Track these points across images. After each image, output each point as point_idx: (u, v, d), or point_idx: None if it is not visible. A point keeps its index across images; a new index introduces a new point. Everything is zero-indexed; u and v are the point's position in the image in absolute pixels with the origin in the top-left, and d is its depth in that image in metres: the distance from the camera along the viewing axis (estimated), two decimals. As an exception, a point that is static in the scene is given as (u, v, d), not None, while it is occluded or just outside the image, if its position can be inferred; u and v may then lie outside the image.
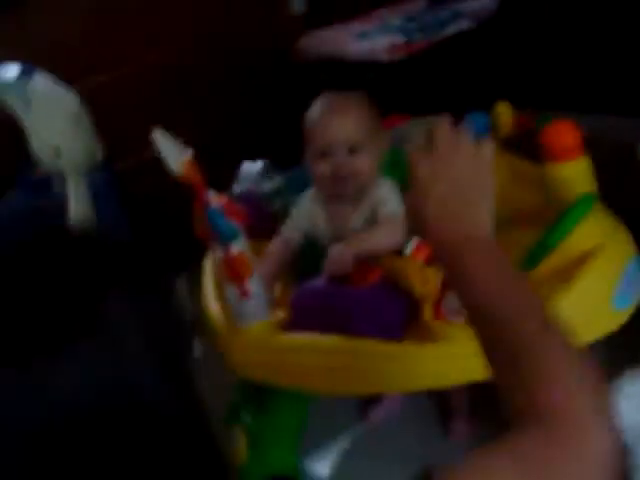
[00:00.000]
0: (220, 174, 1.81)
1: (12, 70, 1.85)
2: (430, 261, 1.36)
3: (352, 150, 1.52)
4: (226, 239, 1.33)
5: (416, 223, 0.90)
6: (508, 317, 0.77)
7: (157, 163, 1.42)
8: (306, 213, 1.63)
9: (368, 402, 1.88)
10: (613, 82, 2.10)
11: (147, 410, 0.62)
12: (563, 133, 1.45)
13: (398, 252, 1.44)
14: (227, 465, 0.73)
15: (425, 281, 1.31)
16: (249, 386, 1.70)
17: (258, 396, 1.66)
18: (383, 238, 1.48)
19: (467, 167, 0.88)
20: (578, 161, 1.45)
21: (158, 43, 2.50)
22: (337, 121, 1.53)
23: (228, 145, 2.36)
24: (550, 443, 0.68)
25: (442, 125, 0.92)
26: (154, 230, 2.31)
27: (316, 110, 1.58)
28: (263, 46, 2.65)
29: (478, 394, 1.71)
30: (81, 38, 2.34)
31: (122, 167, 2.29)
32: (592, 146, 1.50)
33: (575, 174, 1.44)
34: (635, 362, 1.54)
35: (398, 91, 2.20)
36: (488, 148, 0.92)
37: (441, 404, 1.80)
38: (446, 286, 1.31)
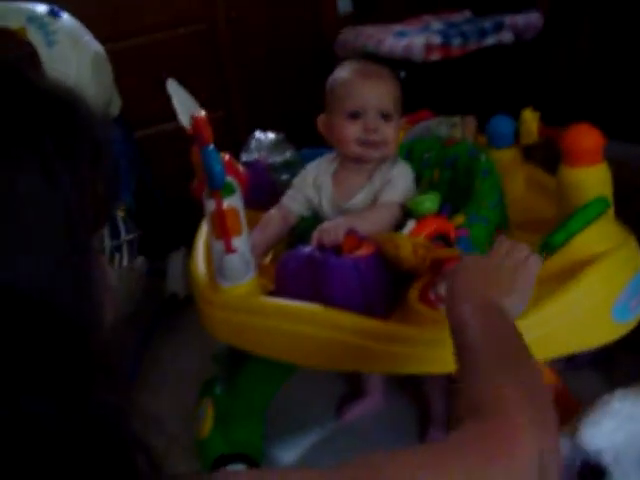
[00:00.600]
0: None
1: (42, 6, 1.84)
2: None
3: (383, 116, 1.50)
4: (217, 183, 1.28)
5: (449, 286, 1.00)
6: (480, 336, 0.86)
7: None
8: (313, 182, 1.58)
9: (345, 399, 1.82)
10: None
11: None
12: (584, 136, 1.38)
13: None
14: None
15: (416, 252, 1.25)
16: (223, 358, 1.66)
17: (231, 370, 1.62)
18: (376, 221, 1.44)
19: (509, 267, 0.99)
20: (597, 167, 1.38)
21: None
22: (371, 83, 1.50)
23: (251, 123, 2.34)
24: (485, 437, 0.72)
25: (505, 240, 1.05)
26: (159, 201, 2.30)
27: (347, 72, 1.54)
28: (308, 43, 2.68)
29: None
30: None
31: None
32: (616, 171, 1.44)
33: (592, 180, 1.38)
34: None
35: (428, 89, 2.16)
36: (536, 261, 1.02)
37: (420, 409, 1.73)
38: (437, 271, 1.25)
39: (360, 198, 1.52)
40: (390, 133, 1.50)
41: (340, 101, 1.51)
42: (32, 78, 0.61)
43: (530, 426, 0.73)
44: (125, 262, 1.73)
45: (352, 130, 1.49)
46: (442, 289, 1.21)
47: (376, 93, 1.49)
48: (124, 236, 1.60)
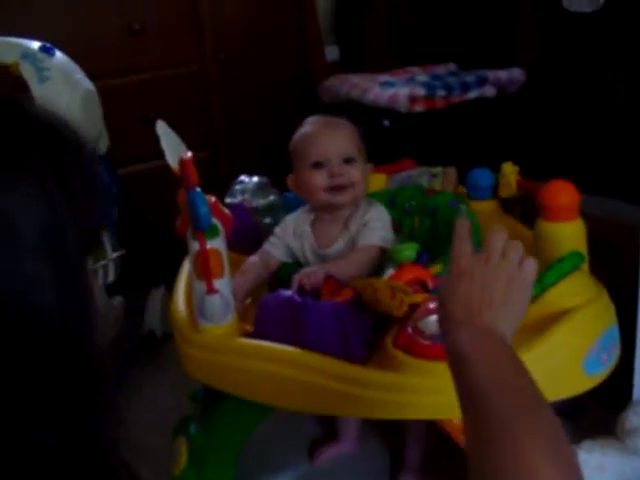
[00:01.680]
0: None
1: (35, 42, 1.87)
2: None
3: (347, 160, 1.54)
4: (203, 225, 1.30)
5: (441, 300, 0.94)
6: (493, 399, 0.79)
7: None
8: (293, 231, 1.61)
9: (319, 442, 1.82)
10: (623, 168, 2.10)
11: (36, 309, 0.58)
12: (561, 193, 1.42)
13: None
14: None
15: (394, 296, 1.27)
16: (200, 397, 1.66)
17: (206, 409, 1.62)
18: (354, 267, 1.47)
19: (504, 278, 0.92)
20: (573, 223, 1.42)
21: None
22: (330, 132, 1.56)
23: (236, 166, 2.37)
24: None
25: (498, 233, 0.95)
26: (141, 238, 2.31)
27: (306, 126, 1.60)
28: (295, 88, 2.74)
29: (431, 449, 1.66)
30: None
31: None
32: (594, 225, 1.48)
33: (568, 235, 1.42)
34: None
35: (411, 139, 2.21)
36: (532, 266, 0.95)
37: (393, 454, 1.74)
38: (416, 310, 1.28)
39: (339, 245, 1.56)
40: (356, 175, 1.54)
41: (303, 154, 1.56)
42: (26, 107, 0.64)
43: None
44: (111, 278, 1.74)
45: (318, 179, 1.53)
46: (422, 324, 1.23)
47: (336, 140, 1.55)
48: (110, 255, 1.62)
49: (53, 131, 0.63)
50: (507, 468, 0.73)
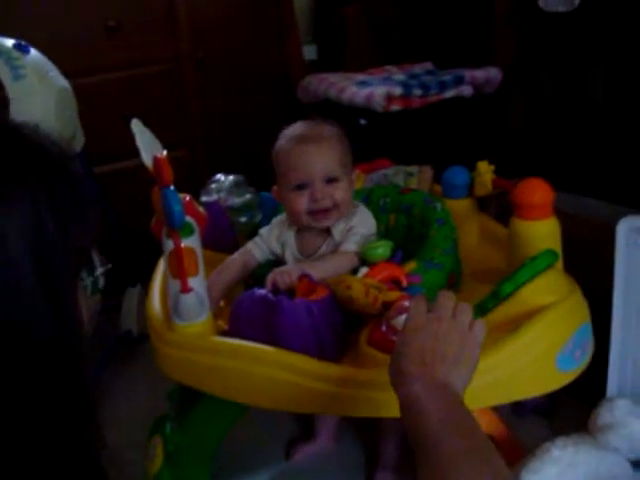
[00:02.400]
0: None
1: (9, 40, 1.85)
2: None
3: (330, 180, 1.49)
4: (176, 223, 1.29)
5: (394, 354, 0.99)
6: (444, 441, 0.84)
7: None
8: (277, 237, 1.59)
9: (295, 440, 1.82)
10: (597, 167, 2.12)
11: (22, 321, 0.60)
12: (535, 191, 1.43)
13: (349, 275, 1.42)
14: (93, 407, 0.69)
15: (367, 293, 1.27)
16: (175, 397, 1.66)
17: (182, 408, 1.62)
18: (332, 267, 1.45)
19: (456, 336, 0.98)
20: (547, 221, 1.43)
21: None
22: (312, 152, 1.48)
23: (212, 164, 2.36)
24: None
25: (448, 295, 1.03)
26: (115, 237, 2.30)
27: (287, 141, 1.52)
28: (273, 87, 2.74)
29: (408, 446, 1.66)
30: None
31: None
32: (568, 223, 1.49)
33: (542, 233, 1.42)
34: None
35: (387, 138, 2.22)
36: (481, 328, 1.01)
37: (369, 452, 1.74)
38: (390, 307, 1.28)
39: (322, 252, 1.54)
40: (339, 195, 1.48)
41: (285, 175, 1.51)
42: (16, 129, 0.66)
43: None
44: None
45: (300, 203, 1.49)
46: (396, 321, 1.23)
47: (318, 161, 1.47)
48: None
49: (43, 151, 0.66)
50: None
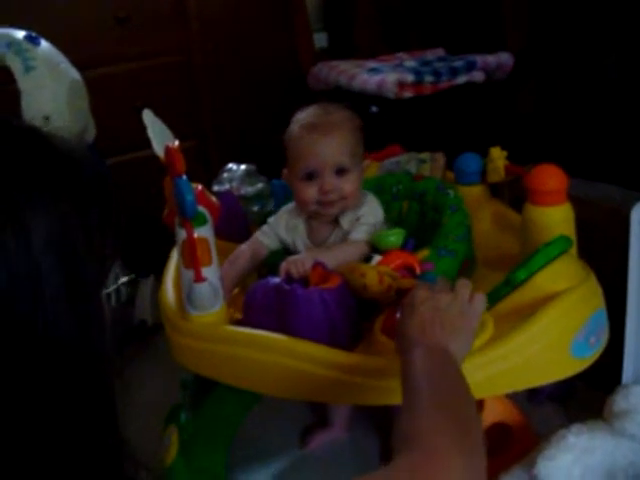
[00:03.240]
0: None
1: (20, 32, 1.86)
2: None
3: (339, 171, 1.48)
4: (189, 212, 1.29)
5: (399, 323, 1.10)
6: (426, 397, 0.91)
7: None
8: (285, 225, 1.59)
9: (310, 428, 1.83)
10: (610, 152, 2.10)
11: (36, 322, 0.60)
12: (549, 177, 1.42)
13: (361, 263, 1.42)
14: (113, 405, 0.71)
15: (382, 281, 1.27)
16: (189, 386, 1.67)
17: (196, 397, 1.63)
18: (343, 257, 1.44)
19: (456, 307, 1.07)
20: (561, 207, 1.42)
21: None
22: (323, 141, 1.47)
23: (224, 154, 2.36)
24: (414, 468, 0.77)
25: (445, 280, 1.17)
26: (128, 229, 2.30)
27: (299, 126, 1.51)
28: (283, 75, 2.72)
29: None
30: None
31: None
32: (583, 209, 1.48)
33: (556, 220, 1.41)
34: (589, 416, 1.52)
35: (399, 125, 2.21)
36: (481, 300, 1.11)
37: (383, 439, 1.75)
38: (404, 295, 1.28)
39: (331, 241, 1.54)
40: (348, 188, 1.48)
41: (294, 162, 1.50)
42: (47, 138, 0.66)
43: (458, 460, 0.79)
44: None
45: (309, 193, 1.49)
46: None
47: (329, 150, 1.47)
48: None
49: (72, 161, 0.66)
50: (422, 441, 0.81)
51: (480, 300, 1.11)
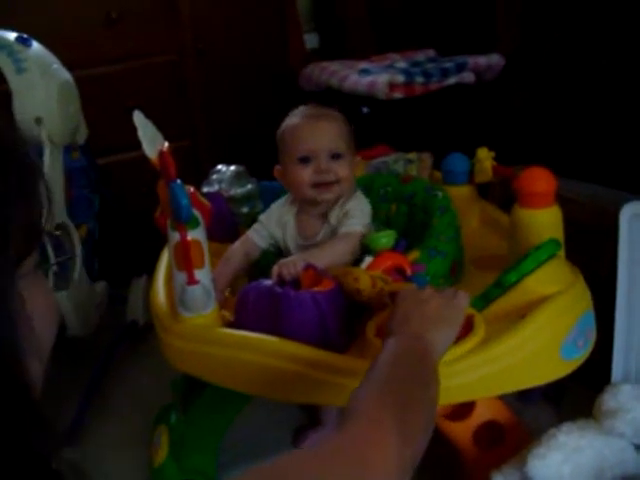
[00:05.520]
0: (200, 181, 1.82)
1: (11, 34, 1.86)
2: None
3: (334, 156, 1.51)
4: (184, 217, 1.30)
5: (387, 319, 1.15)
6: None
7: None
8: (277, 220, 1.61)
9: (301, 428, 1.83)
10: (599, 153, 2.12)
11: None
12: (538, 180, 1.43)
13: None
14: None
15: (374, 285, 1.29)
16: (180, 386, 1.67)
17: (186, 398, 1.63)
18: (334, 255, 1.46)
19: (438, 301, 1.13)
20: (549, 210, 1.43)
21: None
22: (319, 126, 1.52)
23: (215, 155, 2.37)
24: (354, 437, 0.80)
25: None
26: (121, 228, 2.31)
27: (294, 118, 1.56)
28: (274, 76, 2.73)
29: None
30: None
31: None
32: (572, 209, 1.50)
33: (545, 222, 1.43)
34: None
35: (388, 125, 2.22)
36: (464, 296, 1.16)
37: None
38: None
39: (320, 237, 1.55)
40: (343, 171, 1.51)
41: (290, 147, 1.54)
42: None
43: (395, 439, 0.81)
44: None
45: (304, 174, 1.51)
46: None
47: (324, 135, 1.51)
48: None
49: None
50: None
51: (463, 296, 1.16)
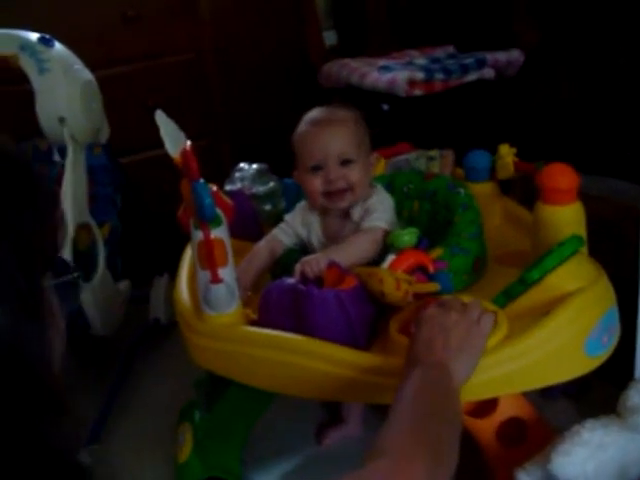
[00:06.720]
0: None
1: (34, 34, 1.87)
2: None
3: (344, 162, 1.51)
4: (207, 216, 1.31)
5: (410, 341, 1.15)
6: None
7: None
8: (301, 220, 1.62)
9: (324, 425, 1.84)
10: (622, 148, 2.10)
11: None
12: (560, 176, 1.42)
13: (376, 264, 1.43)
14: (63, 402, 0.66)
15: (399, 286, 1.29)
16: (204, 384, 1.68)
17: (210, 396, 1.64)
18: (357, 250, 1.47)
19: (463, 327, 1.11)
20: (572, 206, 1.42)
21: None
22: (326, 133, 1.51)
23: (235, 153, 2.38)
24: (382, 473, 0.84)
25: (457, 299, 1.19)
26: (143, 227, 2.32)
27: (305, 125, 1.55)
28: (294, 74, 2.74)
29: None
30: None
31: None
32: (594, 205, 1.49)
33: (567, 219, 1.42)
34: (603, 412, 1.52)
35: (409, 122, 2.22)
36: (489, 321, 1.15)
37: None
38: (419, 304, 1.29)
39: (344, 235, 1.55)
40: (354, 177, 1.50)
41: (301, 157, 1.54)
42: None
43: (423, 474, 0.84)
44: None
45: (315, 183, 1.51)
46: None
47: (332, 142, 1.50)
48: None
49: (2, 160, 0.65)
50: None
51: (488, 320, 1.15)
